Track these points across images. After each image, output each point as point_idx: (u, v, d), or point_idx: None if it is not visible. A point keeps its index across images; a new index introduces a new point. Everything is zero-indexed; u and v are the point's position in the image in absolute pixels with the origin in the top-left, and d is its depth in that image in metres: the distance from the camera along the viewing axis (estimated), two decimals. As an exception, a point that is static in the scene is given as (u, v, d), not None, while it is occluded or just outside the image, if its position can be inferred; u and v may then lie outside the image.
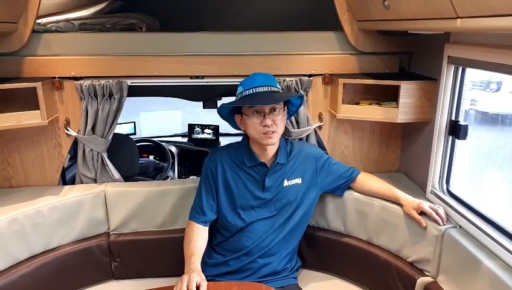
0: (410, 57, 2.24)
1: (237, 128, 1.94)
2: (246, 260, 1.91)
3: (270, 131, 1.76)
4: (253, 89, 1.78)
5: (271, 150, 1.89)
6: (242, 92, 1.81)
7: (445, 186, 1.93)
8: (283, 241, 1.94)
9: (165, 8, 2.98)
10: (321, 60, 2.18)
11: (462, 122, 1.84)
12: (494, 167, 5.69)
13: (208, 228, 1.93)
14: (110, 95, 2.09)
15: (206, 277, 1.62)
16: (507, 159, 5.84)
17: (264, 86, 1.78)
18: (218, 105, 2.54)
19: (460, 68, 1.79)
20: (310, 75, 2.19)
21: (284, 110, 1.83)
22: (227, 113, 1.90)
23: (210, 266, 1.95)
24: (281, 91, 1.85)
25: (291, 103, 1.91)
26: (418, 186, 2.13)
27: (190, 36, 2.14)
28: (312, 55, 2.18)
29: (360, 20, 2.06)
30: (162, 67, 2.13)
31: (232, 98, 2.17)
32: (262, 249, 1.91)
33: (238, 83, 2.14)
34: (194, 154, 3.56)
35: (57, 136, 2.17)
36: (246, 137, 1.93)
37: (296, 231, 1.98)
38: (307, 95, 2.20)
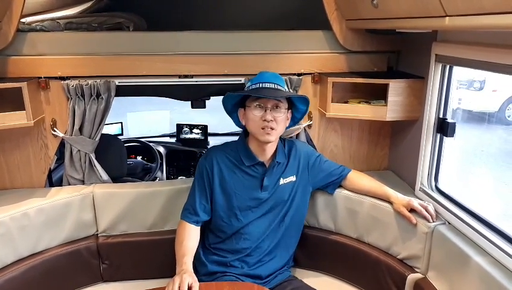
0: (398, 56, 2.25)
1: (239, 125, 1.94)
2: (249, 262, 1.90)
3: (269, 127, 1.75)
4: (260, 84, 1.79)
5: (269, 149, 1.88)
6: (249, 86, 1.83)
7: (433, 184, 1.95)
8: (282, 241, 1.95)
9: (152, 6, 2.95)
10: (310, 58, 2.19)
11: (449, 120, 1.86)
12: (479, 164, 5.79)
13: (199, 228, 1.92)
14: (98, 95, 2.06)
15: (201, 279, 1.61)
16: (491, 156, 5.95)
17: (271, 83, 1.80)
18: (207, 105, 2.57)
19: (448, 66, 1.82)
20: (299, 74, 2.19)
21: (287, 111, 1.83)
22: (232, 107, 1.89)
23: (210, 264, 1.92)
24: (287, 91, 1.87)
25: (297, 108, 1.91)
26: (407, 183, 2.15)
27: (179, 35, 2.13)
28: (301, 54, 2.18)
29: (349, 19, 2.07)
30: (150, 67, 2.11)
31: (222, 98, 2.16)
32: (264, 251, 1.91)
33: (227, 82, 2.15)
34: (183, 155, 3.53)
35: (43, 137, 2.13)
36: (243, 136, 1.92)
37: (293, 229, 1.99)
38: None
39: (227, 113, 1.94)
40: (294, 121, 1.98)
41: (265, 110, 1.76)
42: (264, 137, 1.78)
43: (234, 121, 1.96)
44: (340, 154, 2.38)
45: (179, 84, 2.20)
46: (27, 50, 2.01)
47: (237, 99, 1.85)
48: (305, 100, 1.88)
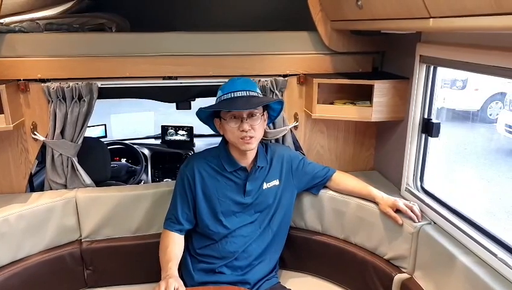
0: (383, 57, 2.26)
1: (216, 131, 1.92)
2: (237, 267, 1.88)
3: (248, 136, 1.75)
4: (232, 93, 1.76)
5: (251, 154, 1.88)
6: (220, 96, 1.80)
7: (419, 184, 1.97)
8: (270, 245, 1.94)
9: (135, 7, 2.91)
10: (296, 60, 2.18)
11: (434, 120, 1.87)
12: (462, 162, 5.89)
13: (183, 236, 1.90)
14: (80, 98, 2.01)
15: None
16: (474, 154, 6.06)
17: (243, 91, 1.76)
18: (192, 106, 2.54)
19: (432, 67, 1.83)
20: (284, 75, 2.18)
21: (263, 115, 1.82)
22: (206, 117, 1.87)
23: (197, 274, 1.90)
24: (260, 96, 1.84)
25: (272, 108, 1.90)
26: (393, 183, 2.16)
27: (162, 36, 2.10)
28: (287, 55, 2.17)
29: (334, 20, 2.07)
30: (134, 68, 2.07)
31: (207, 99, 2.15)
32: (252, 255, 1.89)
33: (212, 83, 2.13)
34: (168, 157, 3.49)
35: (23, 141, 2.07)
36: (224, 142, 1.91)
37: (280, 232, 1.98)
38: (282, 95, 2.19)
39: (202, 122, 1.91)
40: (271, 119, 1.98)
41: (242, 121, 1.74)
42: (245, 146, 1.78)
43: (212, 129, 1.94)
44: (327, 155, 2.38)
45: (163, 86, 2.17)
46: (5, 52, 1.95)
47: (211, 112, 1.84)
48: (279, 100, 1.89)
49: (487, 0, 0.98)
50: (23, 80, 2.00)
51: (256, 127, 1.77)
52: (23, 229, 1.91)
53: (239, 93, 1.76)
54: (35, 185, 2.38)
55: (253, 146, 1.80)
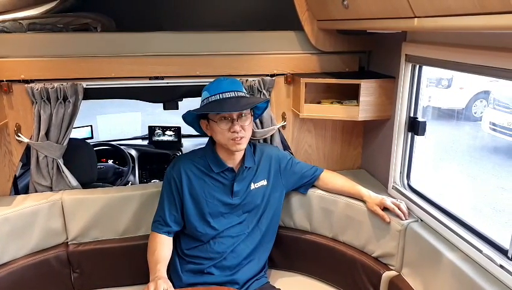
0: (369, 56, 2.28)
1: (201, 132, 1.91)
2: (226, 267, 1.87)
3: (239, 137, 1.74)
4: (220, 94, 1.75)
5: (238, 155, 1.87)
6: (208, 97, 1.78)
7: (406, 182, 1.99)
8: (259, 245, 1.94)
9: (120, 7, 2.88)
10: (283, 59, 2.19)
11: (420, 119, 1.90)
12: (448, 159, 5.97)
13: (172, 238, 1.89)
14: (65, 99, 1.99)
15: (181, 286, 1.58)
16: (460, 152, 6.15)
17: (231, 92, 1.75)
18: (179, 106, 2.53)
19: (418, 66, 1.85)
20: (272, 75, 2.19)
21: (251, 114, 1.82)
22: (192, 119, 1.85)
23: (185, 276, 1.89)
24: (247, 96, 1.84)
25: (257, 106, 1.90)
26: (380, 182, 2.18)
27: (148, 36, 2.08)
28: (274, 54, 2.18)
29: (320, 19, 2.07)
30: (120, 69, 2.05)
31: (193, 99, 2.14)
32: (241, 255, 1.89)
33: (200, 83, 2.12)
34: (156, 158, 3.47)
35: (6, 143, 2.04)
36: (210, 143, 1.89)
37: (269, 232, 1.98)
38: (269, 95, 2.19)
39: (187, 124, 1.89)
40: (255, 117, 1.97)
41: (232, 122, 1.73)
42: (236, 147, 1.77)
43: (196, 130, 1.92)
44: (314, 154, 2.39)
45: (150, 86, 2.15)
46: (-12, 52, 1.92)
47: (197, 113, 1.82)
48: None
49: (471, 0, 0.99)
50: (6, 80, 1.96)
51: (247, 128, 1.77)
52: (8, 232, 1.88)
53: (227, 94, 1.75)
54: (19, 188, 2.34)
55: (243, 146, 1.79)
